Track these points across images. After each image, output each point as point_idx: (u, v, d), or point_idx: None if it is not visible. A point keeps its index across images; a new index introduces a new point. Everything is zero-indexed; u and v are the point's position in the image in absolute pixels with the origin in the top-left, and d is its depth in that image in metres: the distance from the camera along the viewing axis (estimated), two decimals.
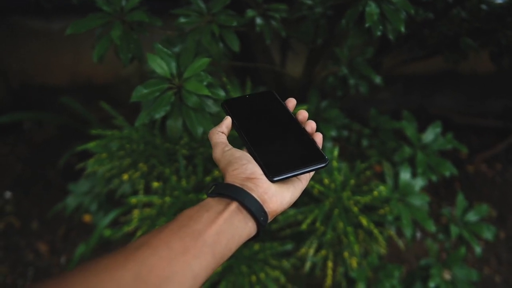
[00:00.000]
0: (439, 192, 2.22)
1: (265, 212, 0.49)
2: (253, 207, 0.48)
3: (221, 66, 1.11)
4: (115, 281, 0.38)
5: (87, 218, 1.98)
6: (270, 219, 0.51)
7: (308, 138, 0.57)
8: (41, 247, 1.89)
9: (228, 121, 0.59)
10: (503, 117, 2.73)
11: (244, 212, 0.48)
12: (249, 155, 0.54)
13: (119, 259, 0.40)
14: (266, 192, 0.50)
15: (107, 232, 1.48)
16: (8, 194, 2.12)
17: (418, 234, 2.02)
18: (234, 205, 0.48)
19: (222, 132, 0.58)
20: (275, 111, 0.63)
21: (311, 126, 0.58)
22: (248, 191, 0.49)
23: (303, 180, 0.55)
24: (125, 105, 1.20)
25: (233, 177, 0.51)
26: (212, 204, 0.48)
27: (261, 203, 0.49)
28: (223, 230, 0.45)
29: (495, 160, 2.46)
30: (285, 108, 0.63)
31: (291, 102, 0.63)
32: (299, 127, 0.59)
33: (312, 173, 0.56)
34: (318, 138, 0.57)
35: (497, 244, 2.01)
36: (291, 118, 0.60)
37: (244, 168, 0.52)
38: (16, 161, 2.33)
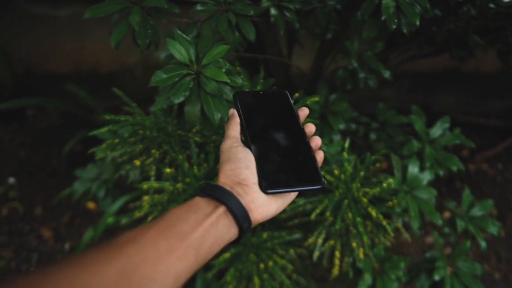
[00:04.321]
0: (441, 190, 2.23)
1: (249, 220, 0.50)
2: (239, 214, 0.49)
3: (233, 56, 1.12)
4: (100, 277, 0.38)
5: (91, 205, 1.99)
6: (251, 227, 0.51)
7: (310, 156, 0.56)
8: (45, 233, 1.90)
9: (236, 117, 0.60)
10: (505, 117, 2.75)
11: (230, 217, 0.49)
12: (250, 159, 0.54)
13: (104, 255, 0.40)
14: (253, 201, 0.51)
15: (110, 220, 1.49)
16: (11, 180, 2.13)
17: (420, 231, 2.04)
18: (221, 209, 0.48)
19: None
20: (285, 116, 0.62)
21: (316, 142, 0.59)
22: (237, 197, 0.50)
23: (292, 195, 0.56)
24: (129, 94, 1.21)
25: (225, 177, 0.52)
26: (201, 205, 0.49)
27: (248, 211, 0.50)
28: (208, 233, 0.46)
29: (496, 160, 2.48)
30: (294, 115, 0.62)
31: (303, 111, 0.63)
32: (304, 140, 0.58)
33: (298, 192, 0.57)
34: (320, 156, 0.58)
35: (497, 242, 2.04)
36: (299, 128, 0.60)
37: (239, 172, 0.52)
38: (19, 147, 2.34)
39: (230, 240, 0.50)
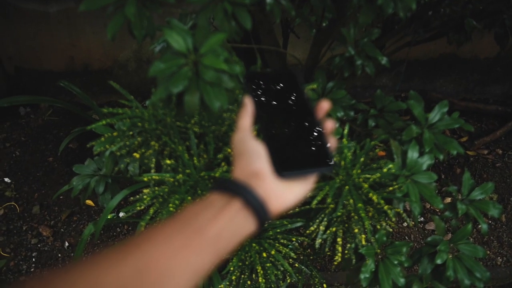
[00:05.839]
0: (439, 177, 2.24)
1: (267, 211, 0.49)
2: (256, 205, 0.48)
3: (228, 47, 1.11)
4: (115, 275, 0.38)
5: (88, 202, 1.98)
6: (271, 218, 0.50)
7: (322, 139, 0.55)
8: (43, 231, 1.89)
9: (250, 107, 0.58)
10: (503, 102, 2.76)
11: (247, 210, 0.48)
12: (262, 149, 0.53)
13: (119, 254, 0.40)
14: (270, 191, 0.50)
15: (110, 215, 1.48)
16: (7, 180, 2.11)
17: (421, 218, 2.05)
18: (237, 202, 0.47)
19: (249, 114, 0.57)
20: (296, 99, 0.60)
21: (329, 125, 0.57)
22: (253, 188, 0.49)
23: (309, 182, 0.54)
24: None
25: (240, 170, 0.52)
26: (215, 199, 0.48)
27: (265, 201, 0.49)
28: (225, 227, 0.45)
29: (495, 145, 2.49)
30: (304, 97, 0.61)
31: (324, 106, 0.59)
32: (316, 123, 0.57)
33: (316, 177, 0.55)
34: (333, 141, 0.57)
35: (499, 227, 2.05)
36: (310, 111, 0.58)
37: (252, 163, 0.51)
38: (14, 146, 2.32)
39: (248, 232, 0.48)
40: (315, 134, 0.56)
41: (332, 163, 0.53)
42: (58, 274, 0.37)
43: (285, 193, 0.51)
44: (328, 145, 0.55)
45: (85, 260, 0.39)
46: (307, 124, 0.57)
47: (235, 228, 0.46)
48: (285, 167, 0.51)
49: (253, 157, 0.52)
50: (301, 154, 0.54)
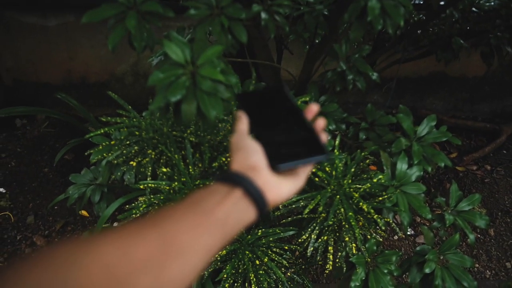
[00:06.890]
0: (429, 191, 2.28)
1: (265, 200, 0.53)
2: (256, 195, 0.52)
3: (224, 61, 1.14)
4: (143, 246, 0.41)
5: (83, 212, 1.99)
6: (268, 208, 0.54)
7: (312, 132, 0.59)
8: (37, 241, 1.89)
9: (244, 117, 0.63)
10: (491, 120, 2.82)
11: (248, 199, 0.51)
12: (258, 146, 0.57)
13: (144, 225, 0.44)
14: (266, 183, 0.54)
15: (104, 225, 1.49)
16: (2, 190, 2.12)
17: (411, 231, 2.08)
18: (239, 191, 0.51)
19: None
20: (284, 105, 0.66)
21: (319, 124, 0.61)
22: (252, 179, 0.53)
23: (301, 178, 0.58)
24: (118, 103, 1.23)
25: (237, 163, 0.56)
26: (218, 188, 0.52)
27: (263, 191, 0.53)
28: (230, 212, 0.49)
29: (484, 161, 2.54)
30: (292, 102, 0.66)
31: (313, 108, 0.63)
32: (305, 122, 0.61)
33: (310, 171, 0.60)
34: (324, 135, 0.61)
35: (487, 241, 2.08)
36: (298, 112, 0.63)
37: (249, 157, 0.55)
38: (9, 157, 2.33)
39: (250, 219, 0.52)
40: (307, 132, 0.60)
41: (326, 151, 0.57)
42: (83, 242, 0.39)
43: (280, 186, 0.55)
44: (320, 138, 0.59)
45: (110, 231, 0.42)
46: (298, 124, 0.62)
47: (239, 213, 0.50)
48: (280, 160, 0.55)
49: (249, 152, 0.56)
50: (295, 148, 0.58)
